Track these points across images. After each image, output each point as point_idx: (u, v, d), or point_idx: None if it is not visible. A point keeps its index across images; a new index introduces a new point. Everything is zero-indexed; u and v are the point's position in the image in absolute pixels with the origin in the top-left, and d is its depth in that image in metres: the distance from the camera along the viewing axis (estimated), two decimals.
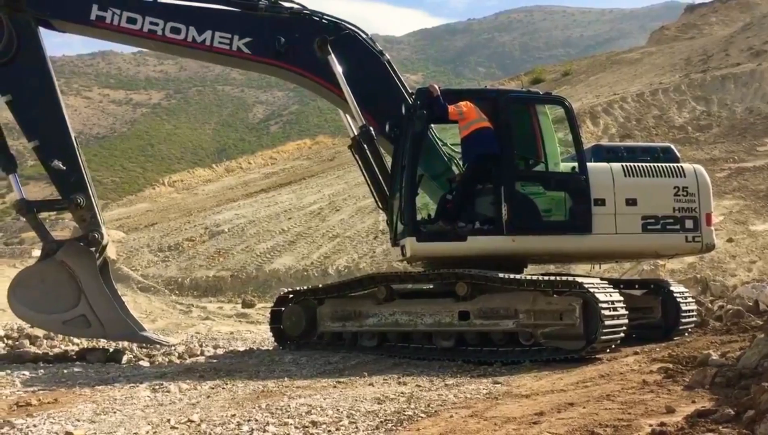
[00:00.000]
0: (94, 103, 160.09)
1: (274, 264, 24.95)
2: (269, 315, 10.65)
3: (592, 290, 7.75)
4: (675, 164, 9.27)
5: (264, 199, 34.97)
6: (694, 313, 9.68)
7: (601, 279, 8.70)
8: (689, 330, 9.52)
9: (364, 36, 9.57)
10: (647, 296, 9.65)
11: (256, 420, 5.52)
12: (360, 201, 27.87)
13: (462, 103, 9.07)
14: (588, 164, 9.10)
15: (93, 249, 9.34)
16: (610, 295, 7.94)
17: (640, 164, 9.14)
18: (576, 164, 9.12)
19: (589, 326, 7.71)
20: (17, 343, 10.58)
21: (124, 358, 9.54)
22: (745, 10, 55.99)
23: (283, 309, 10.32)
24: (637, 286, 9.98)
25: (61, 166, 9.38)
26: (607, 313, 7.67)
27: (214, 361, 9.41)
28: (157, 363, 9.45)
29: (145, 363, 9.44)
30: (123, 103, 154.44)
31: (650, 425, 4.58)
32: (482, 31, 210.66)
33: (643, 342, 8.93)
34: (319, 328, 9.91)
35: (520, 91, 10.85)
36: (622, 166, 9.10)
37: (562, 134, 9.70)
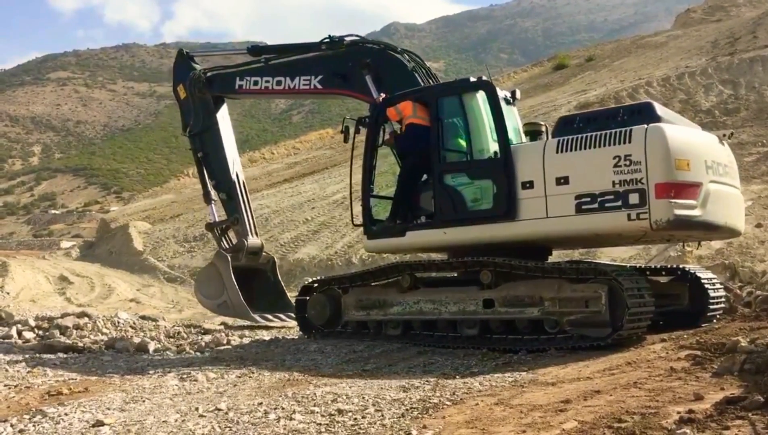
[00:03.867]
0: (118, 95, 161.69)
1: (298, 253, 25.08)
2: (294, 304, 10.71)
3: (617, 277, 7.67)
4: (621, 129, 7.83)
5: (287, 189, 35.12)
6: (722, 299, 9.50)
7: (627, 265, 8.57)
8: (717, 316, 9.37)
9: (400, 54, 10.75)
10: (674, 283, 9.49)
11: (283, 408, 5.57)
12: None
13: (401, 104, 9.44)
14: (519, 145, 8.84)
15: (239, 253, 12.70)
16: (636, 282, 7.84)
17: (578, 135, 8.05)
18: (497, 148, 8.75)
19: (615, 313, 7.63)
20: (47, 333, 10.78)
21: (152, 347, 9.69)
22: None
23: (307, 298, 10.39)
24: (664, 273, 9.81)
25: (225, 197, 12.94)
26: (633, 299, 7.58)
27: (241, 350, 9.51)
28: (185, 352, 9.57)
29: (172, 352, 9.56)
30: (147, 96, 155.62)
31: (678, 412, 4.54)
32: (504, 17, 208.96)
33: (671, 329, 8.76)
34: (343, 317, 9.96)
35: (446, 82, 10.54)
36: (558, 140, 8.20)
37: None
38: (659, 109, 8.23)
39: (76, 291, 23.13)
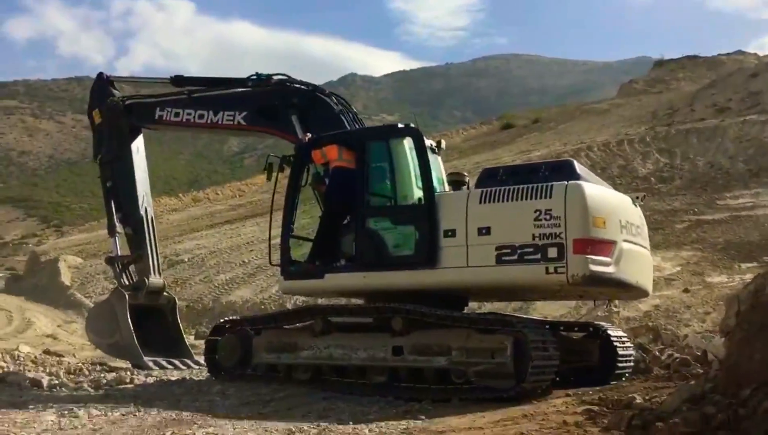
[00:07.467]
0: (66, 128, 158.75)
1: (231, 296, 24.55)
2: (204, 344, 10.38)
3: (523, 329, 7.63)
4: (542, 184, 7.96)
5: (227, 231, 34.60)
6: (631, 357, 9.56)
7: (537, 319, 8.57)
8: (626, 375, 9.39)
9: (328, 97, 10.67)
10: (585, 339, 9.52)
11: None
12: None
13: (327, 147, 9.39)
14: (443, 193, 8.91)
15: (139, 292, 12.11)
16: (542, 335, 7.82)
17: (501, 187, 8.14)
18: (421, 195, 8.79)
19: (520, 366, 7.57)
20: None
21: (46, 383, 9.21)
22: (711, 68, 57.62)
23: (218, 339, 10.07)
24: (576, 329, 9.85)
25: (131, 231, 12.55)
26: (537, 352, 7.54)
27: (140, 389, 9.11)
28: (81, 389, 9.11)
29: (67, 389, 9.09)
30: None
31: None
32: (459, 76, 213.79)
33: (581, 385, 8.77)
34: (254, 359, 9.66)
35: (374, 127, 10.57)
36: (482, 191, 8.29)
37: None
38: (579, 167, 8.39)
39: None
